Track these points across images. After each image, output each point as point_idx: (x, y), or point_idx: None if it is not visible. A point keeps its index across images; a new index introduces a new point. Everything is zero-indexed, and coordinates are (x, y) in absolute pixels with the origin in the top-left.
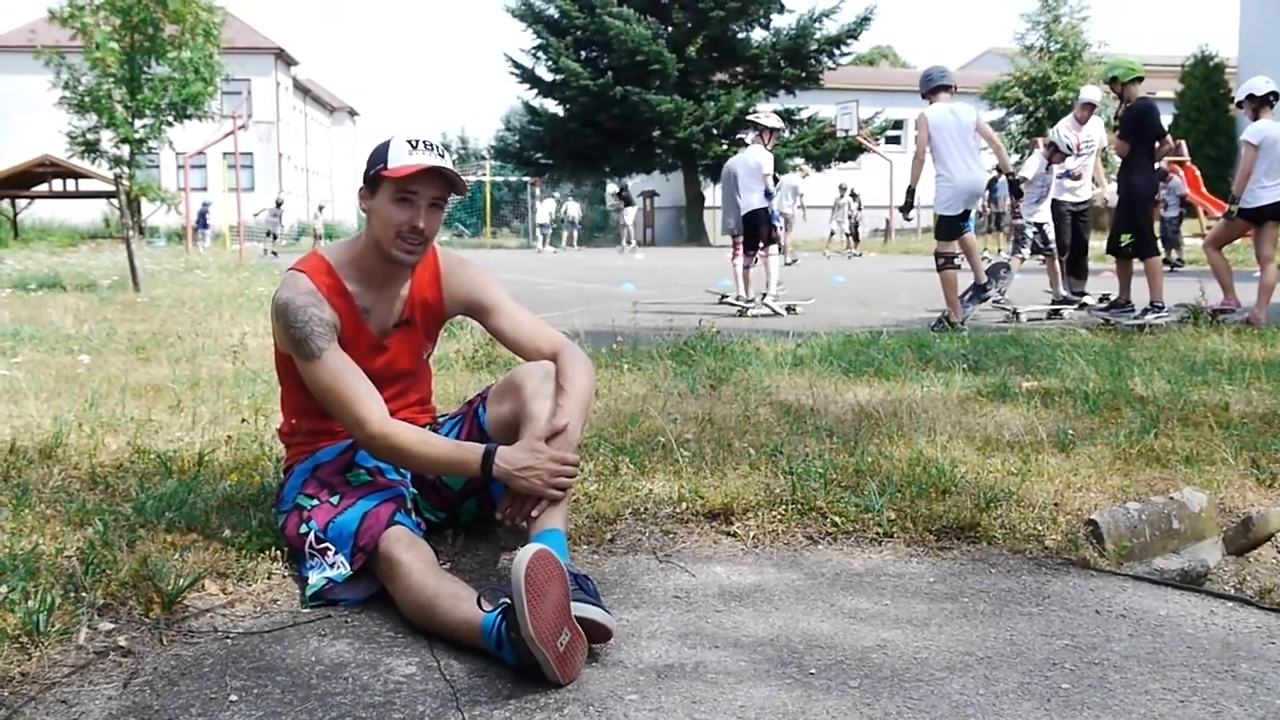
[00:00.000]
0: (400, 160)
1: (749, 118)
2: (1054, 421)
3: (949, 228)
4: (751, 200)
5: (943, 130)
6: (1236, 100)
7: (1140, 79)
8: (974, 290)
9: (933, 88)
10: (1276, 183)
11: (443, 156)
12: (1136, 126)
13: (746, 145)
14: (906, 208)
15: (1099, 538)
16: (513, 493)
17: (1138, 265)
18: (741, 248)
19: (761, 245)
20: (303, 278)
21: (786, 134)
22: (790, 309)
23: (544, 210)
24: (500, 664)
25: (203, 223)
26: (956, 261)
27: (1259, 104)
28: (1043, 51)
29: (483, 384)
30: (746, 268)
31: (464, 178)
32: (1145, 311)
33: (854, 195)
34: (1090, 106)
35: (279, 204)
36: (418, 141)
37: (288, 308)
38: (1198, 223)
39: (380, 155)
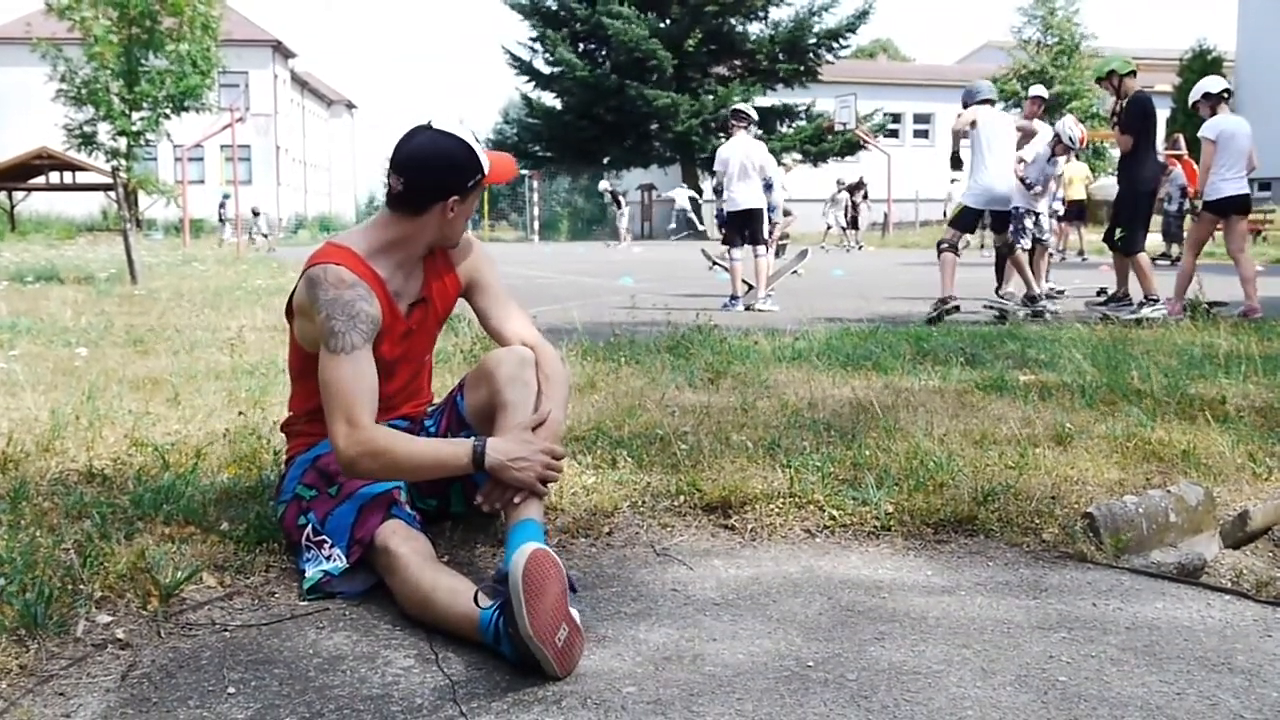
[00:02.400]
0: (488, 162)
1: (736, 107)
2: (1051, 415)
3: (964, 218)
4: (739, 199)
5: (990, 130)
6: (1191, 103)
7: (1134, 73)
8: (1026, 299)
9: (980, 100)
10: (1238, 175)
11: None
12: (1143, 120)
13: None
14: (955, 164)
15: (1096, 531)
16: (495, 479)
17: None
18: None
19: (752, 243)
20: (343, 270)
21: (782, 128)
22: (749, 307)
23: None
24: (498, 657)
25: (222, 217)
26: (959, 246)
27: (1214, 101)
28: (1040, 45)
29: None
30: (736, 261)
31: None
32: (1141, 305)
33: (857, 187)
34: (1040, 100)
35: (255, 214)
36: (476, 137)
37: (336, 302)
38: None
39: (472, 162)
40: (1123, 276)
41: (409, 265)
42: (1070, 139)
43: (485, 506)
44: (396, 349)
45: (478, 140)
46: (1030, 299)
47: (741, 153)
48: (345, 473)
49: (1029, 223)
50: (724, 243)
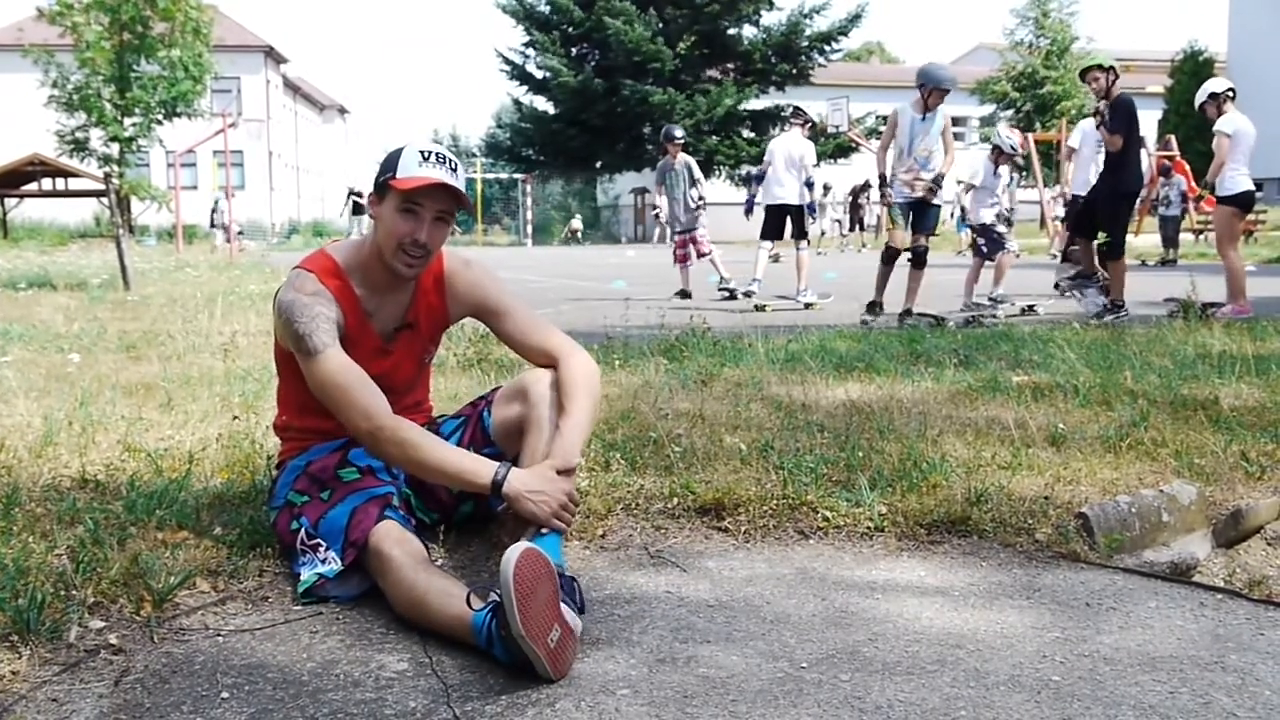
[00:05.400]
0: (409, 171)
1: (796, 105)
2: (1044, 415)
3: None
4: (779, 193)
5: None
6: (1198, 104)
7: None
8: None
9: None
10: (1248, 171)
11: (454, 171)
12: (1129, 121)
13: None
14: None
15: (1089, 531)
16: (514, 517)
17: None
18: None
19: (794, 239)
20: (310, 277)
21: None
22: (761, 308)
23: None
24: (492, 660)
25: (214, 222)
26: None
27: (1220, 100)
28: (1032, 47)
29: (476, 383)
30: (763, 249)
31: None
32: (1105, 311)
33: (863, 188)
34: (1010, 155)
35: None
36: (430, 153)
37: (294, 304)
38: (1188, 219)
39: (391, 163)
40: (1089, 259)
41: (385, 284)
42: (1012, 146)
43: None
44: (371, 367)
45: (426, 157)
46: (993, 299)
47: (786, 148)
48: (369, 453)
49: (1001, 228)
50: (761, 235)
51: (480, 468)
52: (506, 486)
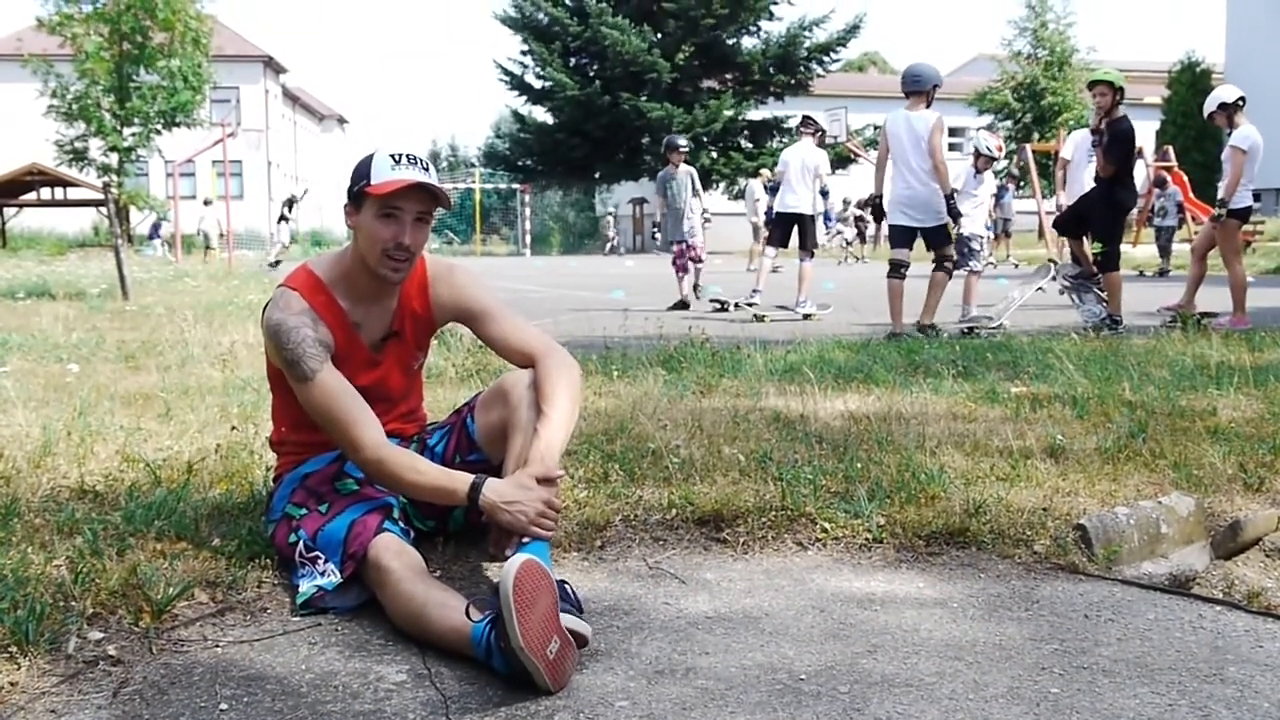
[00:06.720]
0: (383, 176)
1: (806, 114)
2: (1043, 427)
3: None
4: (791, 201)
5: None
6: (1207, 113)
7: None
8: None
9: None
10: (1253, 185)
11: (426, 170)
12: (1128, 147)
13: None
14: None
15: (1088, 542)
16: (497, 526)
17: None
18: (762, 242)
19: (800, 249)
20: (295, 295)
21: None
22: (760, 318)
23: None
24: (491, 671)
25: (154, 233)
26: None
27: (1232, 110)
28: (1030, 57)
29: (474, 393)
30: (768, 258)
31: (453, 185)
32: (1102, 324)
33: (868, 202)
34: (990, 159)
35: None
36: (400, 156)
37: (280, 328)
38: (1186, 229)
39: (363, 171)
40: (1085, 257)
41: (370, 293)
42: (988, 148)
43: (493, 552)
44: (362, 378)
45: (398, 160)
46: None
47: (800, 157)
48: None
49: (976, 246)
50: (768, 242)
51: (456, 484)
52: (481, 499)
